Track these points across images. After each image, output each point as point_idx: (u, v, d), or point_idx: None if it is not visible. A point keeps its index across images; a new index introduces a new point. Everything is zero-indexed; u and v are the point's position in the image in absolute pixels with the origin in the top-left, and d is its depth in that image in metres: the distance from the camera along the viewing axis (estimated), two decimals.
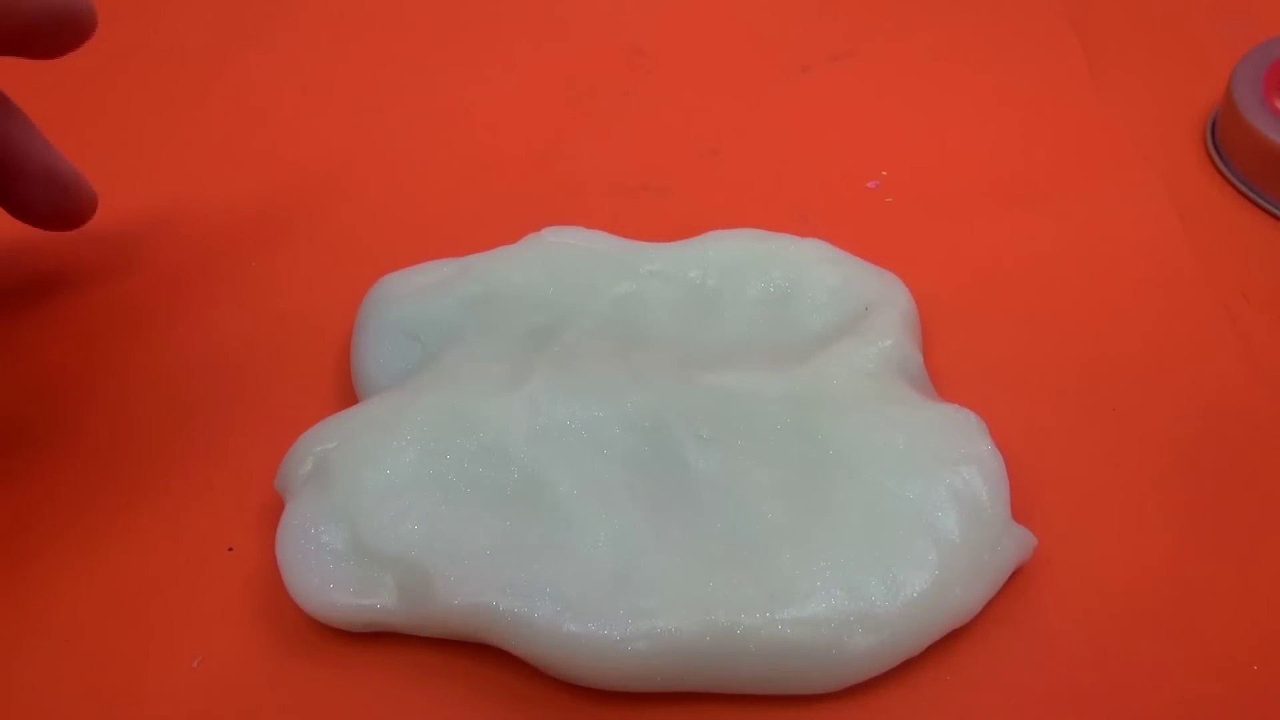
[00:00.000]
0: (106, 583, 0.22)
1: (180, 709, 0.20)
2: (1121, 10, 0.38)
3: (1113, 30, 0.37)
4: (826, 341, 0.24)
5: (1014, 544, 0.21)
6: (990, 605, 0.21)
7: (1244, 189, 0.30)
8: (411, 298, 0.25)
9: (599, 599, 0.20)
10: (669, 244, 0.27)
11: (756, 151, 0.32)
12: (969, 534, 0.21)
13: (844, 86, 0.35)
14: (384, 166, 0.32)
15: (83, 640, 0.21)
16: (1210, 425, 0.24)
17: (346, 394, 0.25)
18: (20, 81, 0.35)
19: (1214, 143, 0.32)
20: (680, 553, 0.20)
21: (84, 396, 0.26)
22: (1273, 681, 0.20)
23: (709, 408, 0.23)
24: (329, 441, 0.22)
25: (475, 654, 0.20)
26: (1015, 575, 0.21)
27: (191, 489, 0.24)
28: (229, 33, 0.37)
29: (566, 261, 0.26)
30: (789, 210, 0.30)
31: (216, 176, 0.32)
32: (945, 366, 0.25)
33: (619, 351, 0.24)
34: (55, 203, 0.27)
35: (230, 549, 0.22)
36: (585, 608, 0.19)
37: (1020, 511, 0.22)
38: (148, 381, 0.26)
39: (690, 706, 0.20)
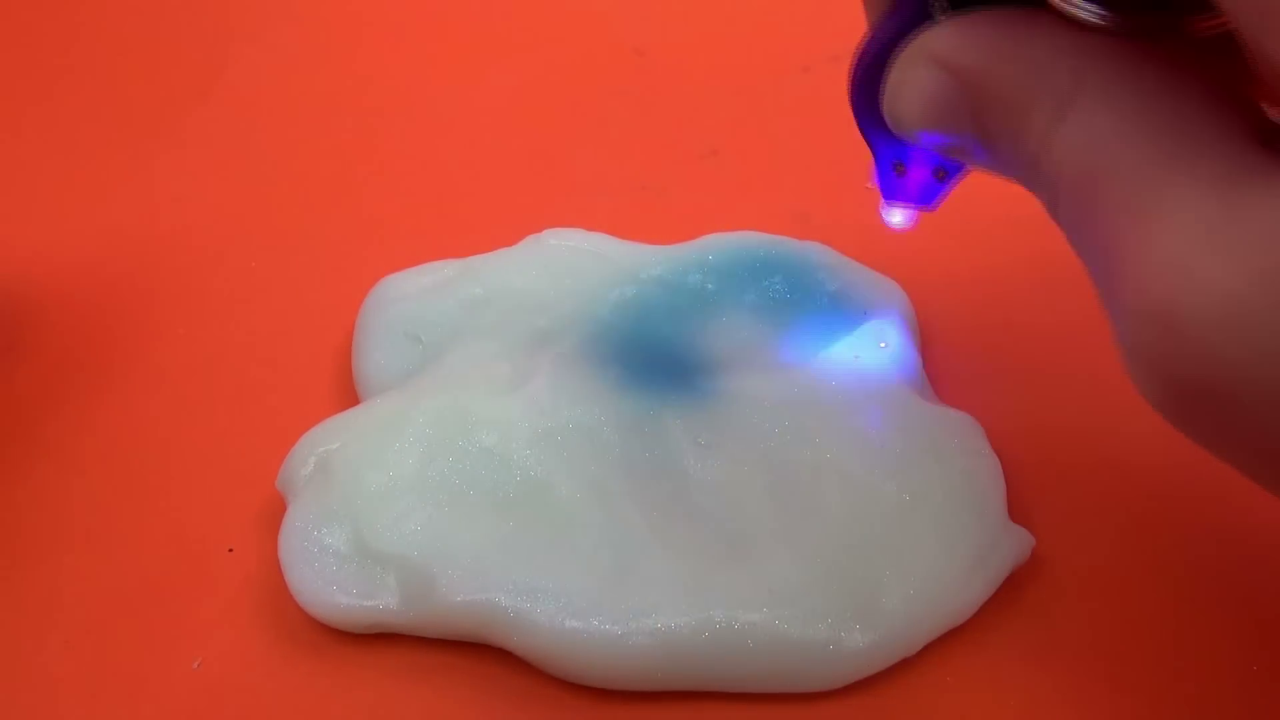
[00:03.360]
0: (106, 583, 0.22)
1: (180, 709, 0.20)
2: None
3: None
4: (825, 345, 0.24)
5: (1011, 544, 0.21)
6: (988, 605, 0.21)
7: None
8: (413, 299, 0.25)
9: (600, 596, 0.20)
10: (669, 246, 0.27)
11: (756, 152, 0.32)
12: (966, 534, 0.21)
13: (844, 87, 0.35)
14: (384, 166, 0.32)
15: (83, 640, 0.21)
16: None
17: (347, 394, 0.25)
18: (20, 81, 0.35)
19: None
20: (680, 552, 0.20)
21: (84, 396, 0.26)
22: (1273, 681, 0.20)
23: (708, 411, 0.23)
24: (331, 442, 0.22)
25: (475, 654, 0.21)
26: (1013, 575, 0.21)
27: (192, 489, 0.24)
28: (229, 33, 0.37)
29: (567, 264, 0.26)
30: (789, 211, 0.30)
31: (216, 176, 0.32)
32: (944, 370, 0.25)
33: (619, 355, 0.24)
34: None
35: (230, 550, 0.22)
36: (587, 604, 0.20)
37: (1018, 514, 0.22)
38: (148, 382, 0.26)
39: (690, 706, 0.20)
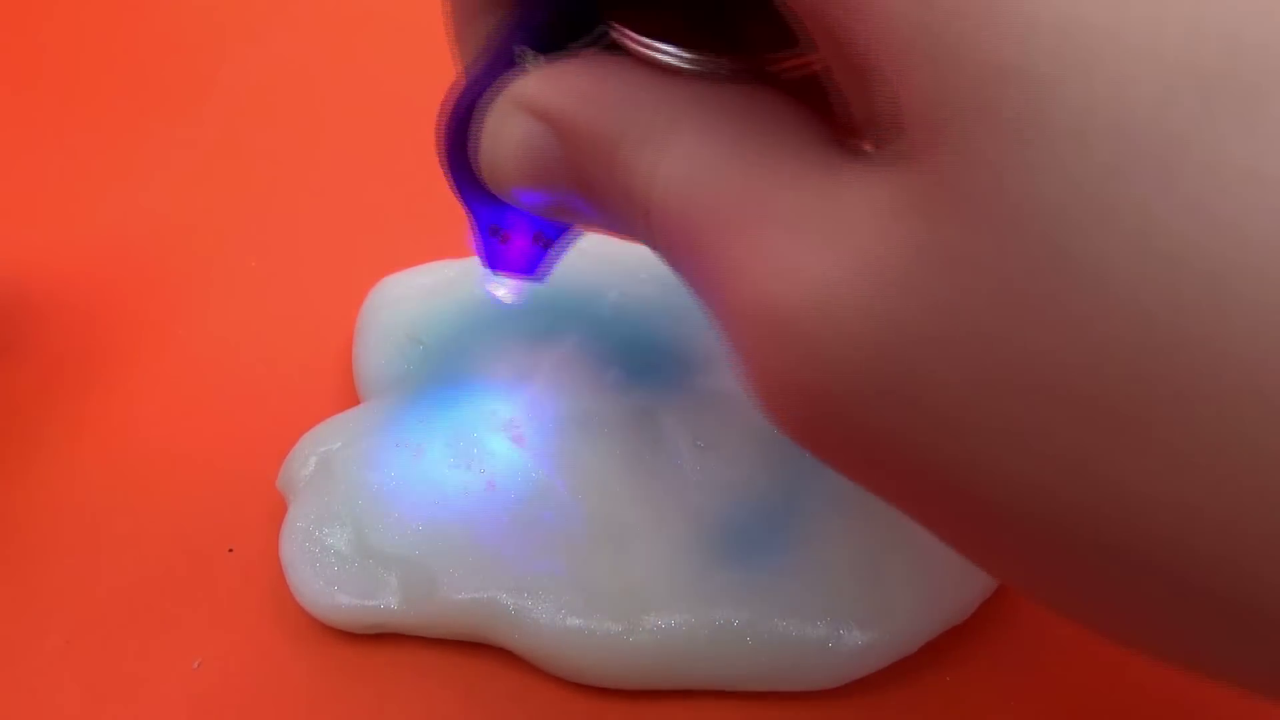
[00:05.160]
0: (107, 583, 0.22)
1: (180, 709, 0.20)
2: None
3: None
4: None
5: None
6: (987, 604, 0.21)
7: None
8: (413, 299, 0.25)
9: (601, 595, 0.20)
10: None
11: None
12: None
13: None
14: (384, 166, 0.32)
15: (83, 640, 0.21)
16: None
17: (348, 395, 0.25)
18: (20, 81, 0.35)
19: None
20: (680, 551, 0.21)
21: (84, 396, 0.26)
22: None
23: (707, 412, 0.23)
24: (332, 442, 0.22)
25: (476, 654, 0.21)
26: None
27: (192, 489, 0.24)
28: (227, 32, 0.37)
29: (566, 265, 0.26)
30: None
31: (216, 176, 0.32)
32: None
33: (619, 355, 0.24)
34: None
35: (231, 550, 0.22)
36: (588, 603, 0.20)
37: None
38: (148, 382, 0.26)
39: (689, 704, 0.20)
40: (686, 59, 0.13)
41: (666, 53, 0.13)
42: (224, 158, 0.32)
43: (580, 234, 0.17)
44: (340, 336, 0.26)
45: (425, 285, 0.26)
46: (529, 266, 0.17)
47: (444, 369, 0.24)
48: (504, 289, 0.18)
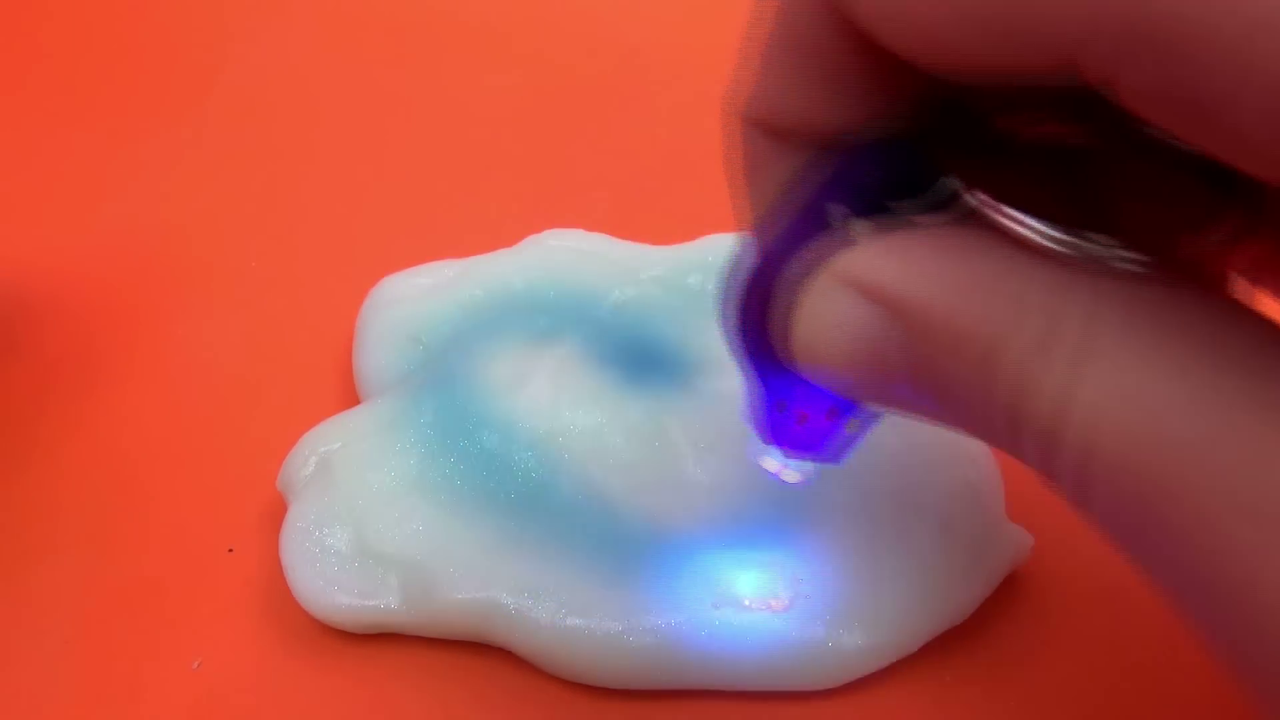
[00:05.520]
0: (106, 583, 0.22)
1: (180, 709, 0.20)
2: None
3: None
4: None
5: (1009, 543, 0.21)
6: (987, 604, 0.21)
7: None
8: (413, 300, 0.25)
9: (601, 595, 0.20)
10: (669, 247, 0.27)
11: None
12: (965, 534, 0.21)
13: None
14: (384, 166, 0.32)
15: (83, 640, 0.21)
16: None
17: (348, 395, 0.25)
18: (20, 81, 0.35)
19: None
20: (679, 551, 0.21)
21: (84, 396, 0.26)
22: None
23: (707, 413, 0.23)
24: (332, 442, 0.22)
25: (475, 654, 0.21)
26: (1012, 575, 0.21)
27: (192, 489, 0.24)
28: (228, 32, 0.37)
29: (567, 265, 0.26)
30: None
31: (216, 176, 0.32)
32: None
33: (619, 356, 0.24)
34: None
35: (230, 550, 0.22)
36: (587, 603, 0.20)
37: (1017, 514, 0.22)
38: (149, 382, 0.26)
39: (689, 705, 0.20)
40: (1073, 242, 0.10)
41: (1048, 235, 0.10)
42: (224, 158, 0.32)
43: (884, 414, 0.15)
44: (340, 336, 0.26)
45: (425, 285, 0.26)
46: (817, 443, 0.15)
47: (444, 369, 0.24)
48: (784, 467, 0.16)
